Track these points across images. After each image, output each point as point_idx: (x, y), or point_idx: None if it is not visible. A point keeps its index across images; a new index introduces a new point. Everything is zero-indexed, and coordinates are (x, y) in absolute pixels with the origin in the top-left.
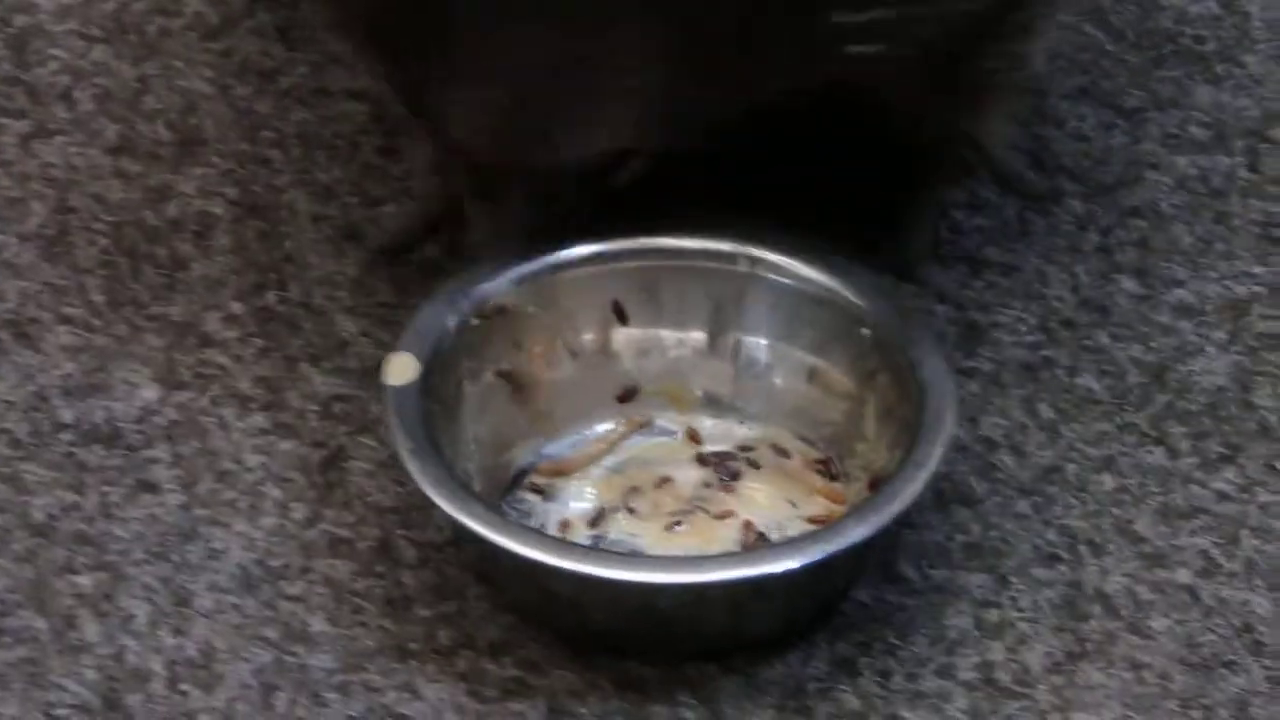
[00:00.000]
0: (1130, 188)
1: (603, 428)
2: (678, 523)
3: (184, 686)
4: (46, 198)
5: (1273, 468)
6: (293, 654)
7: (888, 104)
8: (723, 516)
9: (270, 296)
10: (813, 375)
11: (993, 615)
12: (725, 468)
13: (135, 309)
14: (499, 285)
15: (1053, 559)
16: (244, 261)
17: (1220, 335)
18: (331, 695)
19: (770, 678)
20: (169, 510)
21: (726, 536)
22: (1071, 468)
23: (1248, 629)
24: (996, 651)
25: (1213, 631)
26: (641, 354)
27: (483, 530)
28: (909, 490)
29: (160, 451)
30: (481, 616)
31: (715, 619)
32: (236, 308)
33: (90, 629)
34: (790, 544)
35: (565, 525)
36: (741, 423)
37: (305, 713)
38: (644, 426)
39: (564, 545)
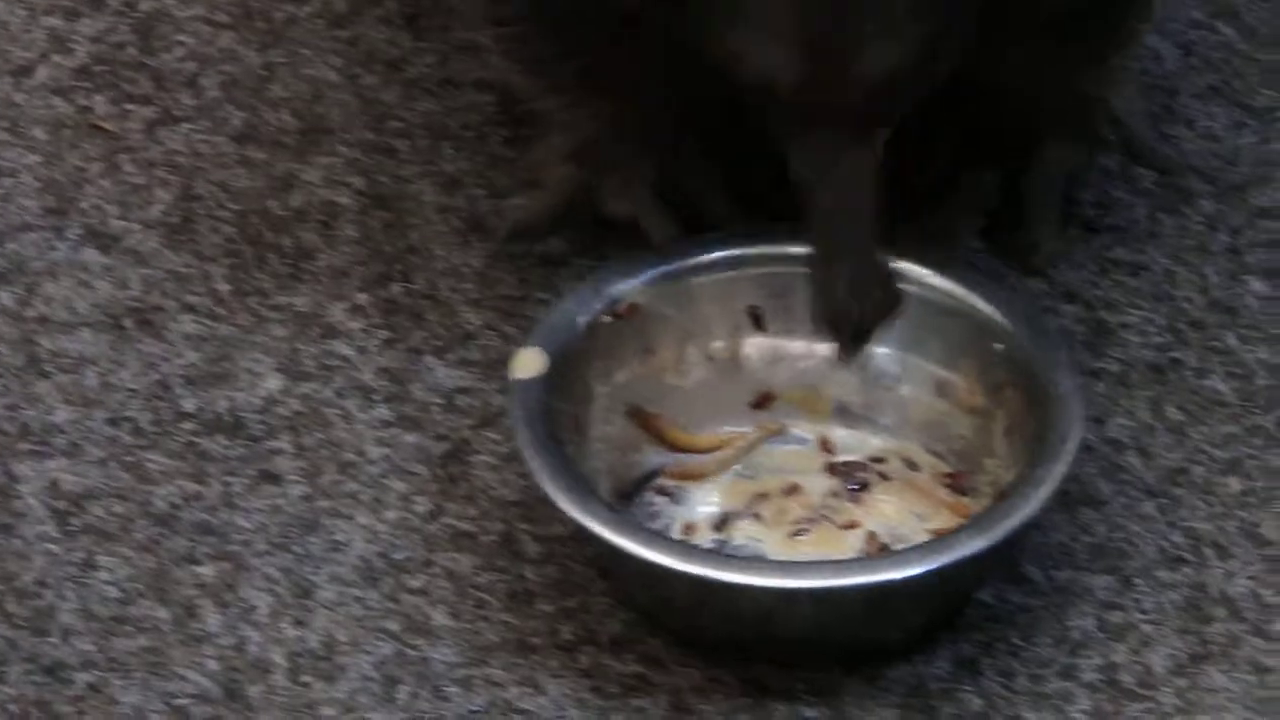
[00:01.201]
0: (1260, 188)
1: (735, 433)
2: (802, 531)
3: (305, 678)
4: (171, 185)
5: None
6: (414, 647)
7: (1020, 66)
8: (848, 526)
9: (395, 288)
10: (941, 388)
11: (1116, 617)
12: (854, 478)
13: (260, 298)
14: (632, 285)
15: (1178, 561)
16: (369, 252)
17: None
18: (453, 689)
19: (893, 677)
20: (291, 501)
21: (850, 546)
22: (1198, 470)
23: None
24: (1120, 653)
25: None
26: (771, 362)
27: (599, 530)
28: (1026, 507)
29: (283, 442)
30: (604, 612)
31: (832, 625)
32: (361, 298)
33: (212, 619)
34: (907, 553)
35: (690, 529)
36: (874, 434)
37: (427, 706)
38: (777, 433)
39: (680, 548)
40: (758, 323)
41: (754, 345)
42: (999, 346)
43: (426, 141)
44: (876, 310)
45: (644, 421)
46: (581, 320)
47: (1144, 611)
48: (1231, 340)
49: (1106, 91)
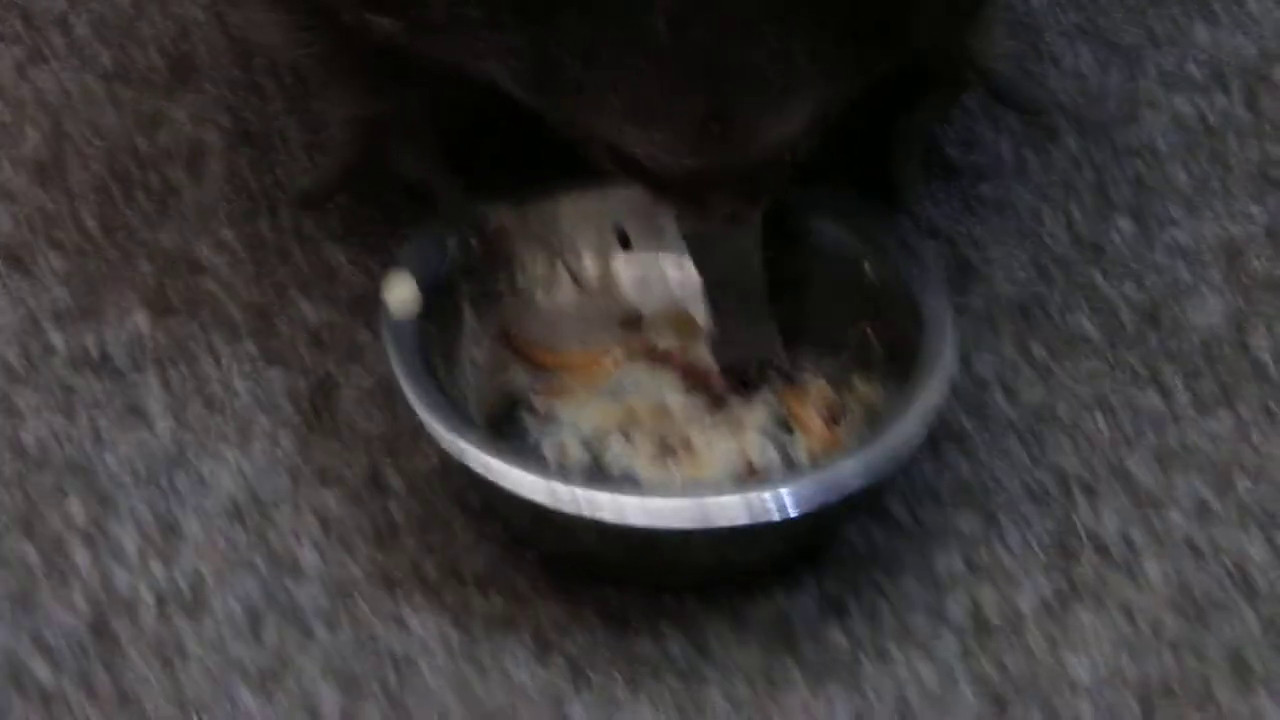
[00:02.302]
0: (1126, 126)
1: (604, 353)
2: (673, 451)
3: (172, 615)
4: (40, 123)
5: (1267, 410)
6: (281, 584)
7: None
8: (719, 447)
9: (262, 224)
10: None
11: (983, 556)
12: (724, 397)
13: (127, 235)
14: (500, 207)
15: (1044, 500)
16: (235, 189)
17: (1215, 276)
18: (319, 626)
19: (757, 615)
20: (158, 437)
21: (722, 467)
22: (1064, 408)
23: (1241, 573)
24: (986, 593)
25: (1206, 575)
26: (642, 280)
27: (473, 455)
28: (907, 434)
29: (150, 378)
30: (468, 548)
31: (705, 552)
32: (227, 235)
33: (80, 557)
34: (786, 487)
35: (561, 450)
36: None
37: (292, 643)
38: (647, 353)
39: (558, 476)
40: (625, 242)
41: (622, 264)
42: (868, 267)
43: (293, 79)
44: (772, 357)
45: (513, 343)
46: (450, 243)
47: (1011, 551)
48: (1097, 278)
49: (973, 38)
